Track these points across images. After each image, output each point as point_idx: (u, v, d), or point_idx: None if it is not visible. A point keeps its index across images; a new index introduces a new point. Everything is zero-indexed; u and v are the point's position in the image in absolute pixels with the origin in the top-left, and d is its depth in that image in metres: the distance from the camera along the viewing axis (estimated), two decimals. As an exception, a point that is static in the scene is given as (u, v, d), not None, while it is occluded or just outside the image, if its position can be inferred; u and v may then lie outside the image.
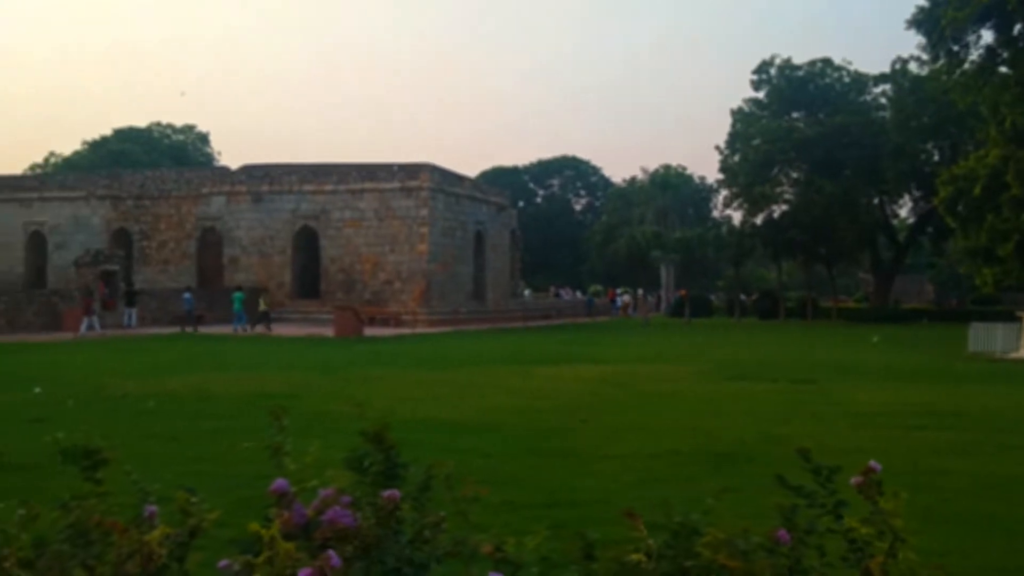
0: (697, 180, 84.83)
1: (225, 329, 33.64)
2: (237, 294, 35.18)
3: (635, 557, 2.46)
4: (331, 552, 2.29)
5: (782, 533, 2.53)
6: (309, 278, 41.64)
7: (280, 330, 33.58)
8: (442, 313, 40.08)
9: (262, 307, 34.22)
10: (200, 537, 3.48)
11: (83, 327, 30.70)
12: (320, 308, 38.93)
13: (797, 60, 54.91)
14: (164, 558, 3.19)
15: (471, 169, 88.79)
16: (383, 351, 24.65)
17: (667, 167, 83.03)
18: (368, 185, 40.62)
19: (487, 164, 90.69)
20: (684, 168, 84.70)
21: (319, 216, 41.22)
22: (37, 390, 14.16)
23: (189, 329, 33.13)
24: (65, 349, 24.21)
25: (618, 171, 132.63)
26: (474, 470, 6.42)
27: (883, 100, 53.74)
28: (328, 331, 32.28)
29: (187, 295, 35.18)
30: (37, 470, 6.50)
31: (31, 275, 44.85)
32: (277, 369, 18.81)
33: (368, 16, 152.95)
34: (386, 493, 2.56)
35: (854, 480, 2.48)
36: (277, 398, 13.40)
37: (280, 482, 3.26)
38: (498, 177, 79.54)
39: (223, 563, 3.36)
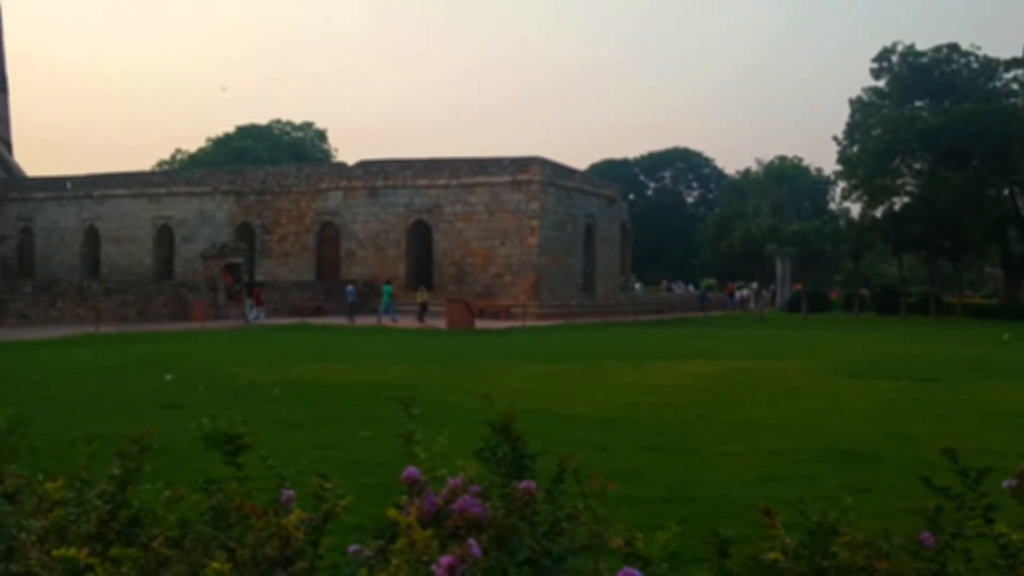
0: (813, 172, 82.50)
1: (342, 320, 34.43)
2: (386, 287, 36.36)
3: (772, 555, 2.41)
4: (472, 541, 2.31)
5: (926, 535, 2.44)
6: (422, 271, 42.27)
7: (391, 322, 34.22)
8: (552, 306, 40.12)
9: (420, 299, 34.98)
10: (331, 522, 3.58)
11: (251, 316, 32.46)
12: (432, 301, 39.52)
13: (921, 46, 52.82)
14: (301, 542, 3.30)
15: (581, 162, 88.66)
16: (494, 344, 24.83)
17: (782, 158, 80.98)
18: (479, 179, 40.96)
19: (597, 157, 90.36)
20: (800, 159, 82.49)
21: (432, 210, 41.79)
22: (168, 377, 14.81)
23: (351, 320, 34.14)
24: (192, 339, 25.21)
25: (731, 163, 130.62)
26: (591, 464, 6.41)
27: (1015, 86, 51.11)
28: (440, 323, 32.72)
29: (350, 288, 36.30)
30: (173, 454, 6.80)
31: (159, 267, 46.87)
32: (392, 360, 19.17)
33: (477, 13, 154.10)
34: (522, 484, 2.58)
35: (1007, 483, 2.37)
36: (393, 388, 13.67)
37: (411, 470, 3.32)
38: (608, 170, 79.07)
39: (353, 548, 3.44)
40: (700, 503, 6.60)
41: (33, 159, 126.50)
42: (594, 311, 43.26)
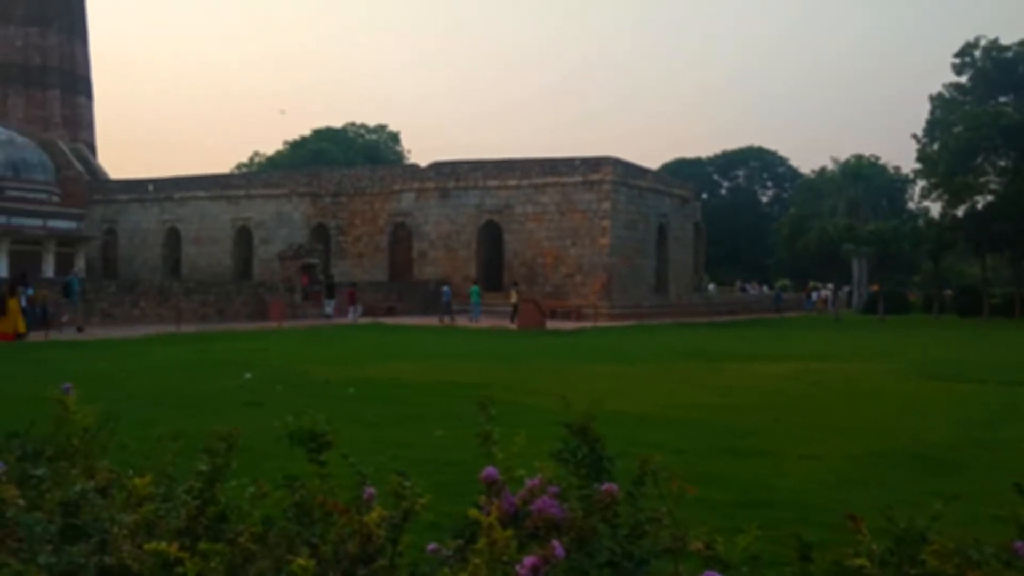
0: (891, 170, 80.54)
1: (414, 320, 34.77)
2: (474, 288, 36.70)
3: (858, 562, 2.37)
4: (555, 542, 2.32)
5: (1019, 544, 2.37)
6: (493, 271, 42.45)
7: (465, 322, 34.44)
8: (624, 307, 39.93)
9: (514, 299, 35.26)
10: (411, 520, 3.63)
11: (350, 315, 33.24)
12: (504, 301, 39.65)
13: (1005, 40, 51.22)
14: (382, 539, 3.35)
15: (654, 162, 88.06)
16: (566, 344, 24.81)
17: (859, 157, 79.21)
18: (550, 179, 40.97)
19: (670, 156, 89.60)
20: (877, 158, 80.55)
21: (503, 210, 41.93)
22: (248, 375, 15.13)
23: (447, 320, 34.52)
24: (270, 337, 25.72)
25: (806, 161, 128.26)
26: (667, 466, 6.37)
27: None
28: (511, 323, 32.83)
29: (446, 288, 36.74)
30: (255, 451, 6.94)
31: (238, 267, 47.93)
32: (463, 359, 19.30)
33: (549, 15, 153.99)
34: (604, 486, 2.58)
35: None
36: (466, 387, 13.75)
37: (490, 470, 3.34)
38: (681, 169, 78.32)
39: (432, 546, 3.48)
40: (779, 507, 6.51)
41: (116, 162, 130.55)
42: (667, 311, 42.93)
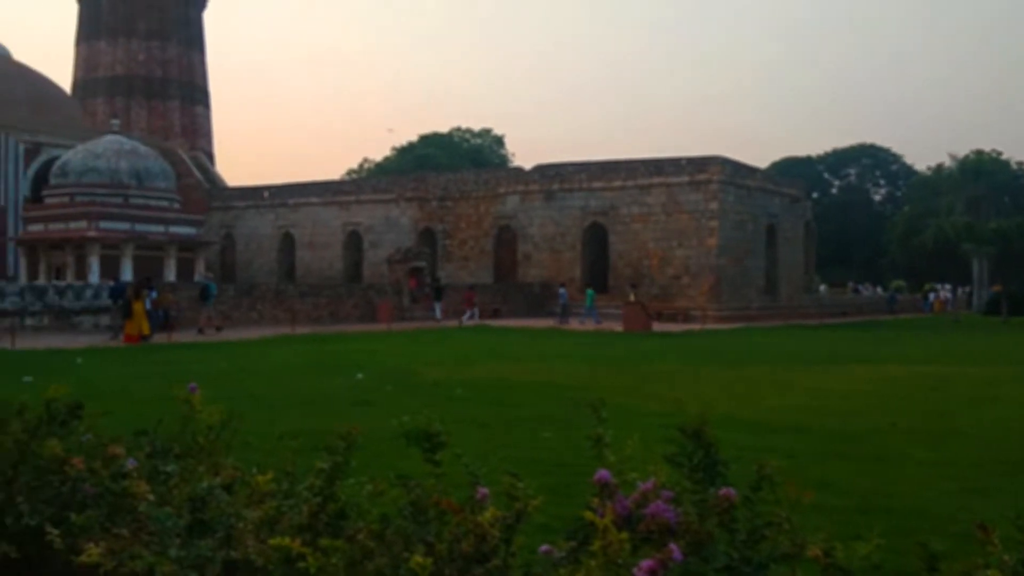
0: (1015, 166, 77.10)
1: (520, 322, 34.94)
2: (589, 291, 36.79)
3: (989, 573, 2.29)
4: (673, 546, 2.31)
5: None
6: (598, 273, 42.32)
7: (570, 324, 34.41)
8: (732, 308, 39.28)
9: (631, 299, 35.29)
10: (523, 521, 3.66)
11: (465, 317, 33.86)
12: (609, 303, 39.49)
13: None
14: (496, 539, 3.39)
15: (762, 161, 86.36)
16: (673, 346, 24.56)
17: (979, 152, 76.10)
18: (656, 180, 40.62)
19: (779, 155, 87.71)
20: (999, 153, 77.20)
21: (607, 212, 41.77)
22: (359, 376, 15.48)
23: (564, 323, 34.71)
24: (380, 339, 26.24)
25: (921, 158, 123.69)
26: (779, 471, 6.24)
27: None
28: (616, 325, 32.65)
29: (562, 290, 36.97)
30: (367, 449, 7.08)
31: (349, 271, 49.05)
32: (571, 361, 19.30)
33: (650, 15, 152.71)
34: (722, 491, 2.55)
35: None
36: (573, 390, 13.75)
37: (602, 472, 3.35)
38: (791, 168, 76.55)
39: (544, 548, 3.50)
40: (899, 514, 6.30)
41: (232, 170, 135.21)
42: (776, 313, 42.04)
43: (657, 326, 32.76)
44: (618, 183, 41.56)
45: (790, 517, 2.62)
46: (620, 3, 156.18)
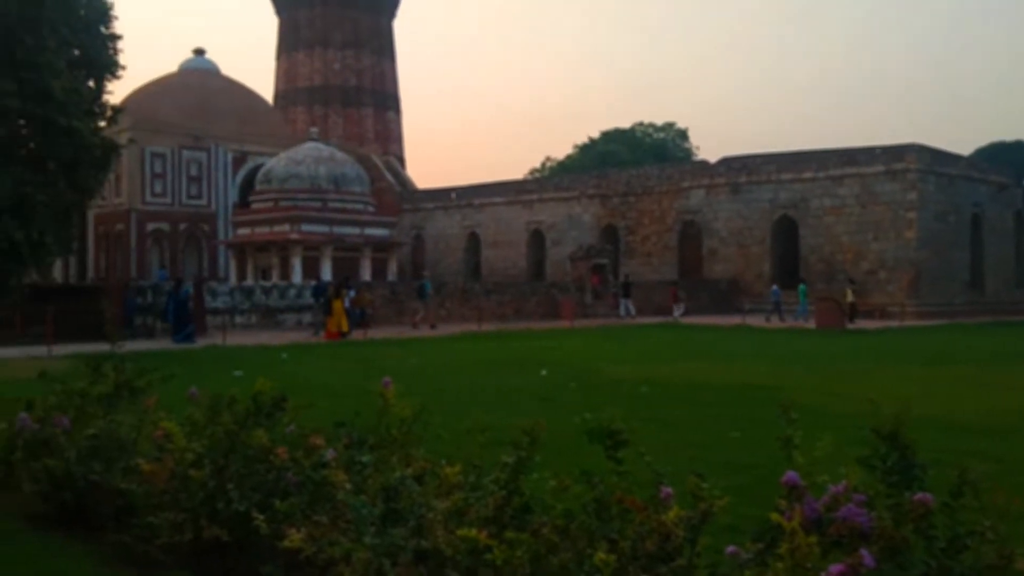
0: None
1: (706, 319, 34.35)
2: (801, 286, 35.76)
3: None
4: (864, 552, 2.23)
5: None
6: (787, 268, 41.01)
7: (757, 321, 33.51)
8: (933, 304, 37.11)
9: (849, 298, 34.33)
10: (708, 522, 3.61)
11: (677, 312, 33.68)
12: (799, 299, 38.25)
13: None
14: (680, 539, 3.37)
15: (964, 147, 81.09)
16: (869, 344, 23.48)
17: None
18: (849, 170, 38.91)
19: (983, 140, 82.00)
20: None
21: (797, 205, 40.39)
22: (543, 372, 15.69)
23: (775, 319, 34.20)
24: (563, 336, 26.47)
25: None
26: (984, 476, 5.84)
27: None
28: (809, 323, 31.57)
29: (775, 288, 36.25)
30: (550, 445, 7.15)
31: (532, 269, 49.72)
32: (760, 359, 18.80)
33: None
34: (917, 496, 2.44)
35: None
36: (762, 389, 13.41)
37: (791, 475, 3.27)
38: (998, 153, 71.19)
39: (731, 549, 3.44)
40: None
41: (422, 172, 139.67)
42: (982, 310, 39.38)
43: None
44: (808, 174, 40.09)
45: (996, 526, 2.46)
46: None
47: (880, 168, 37.91)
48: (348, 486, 4.39)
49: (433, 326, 30.38)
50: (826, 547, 2.75)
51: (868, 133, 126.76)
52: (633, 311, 35.98)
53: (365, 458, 4.75)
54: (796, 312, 34.71)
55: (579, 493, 4.07)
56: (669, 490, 3.58)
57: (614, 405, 11.00)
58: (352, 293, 28.81)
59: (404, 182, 59.68)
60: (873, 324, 32.49)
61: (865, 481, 3.42)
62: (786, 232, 41.17)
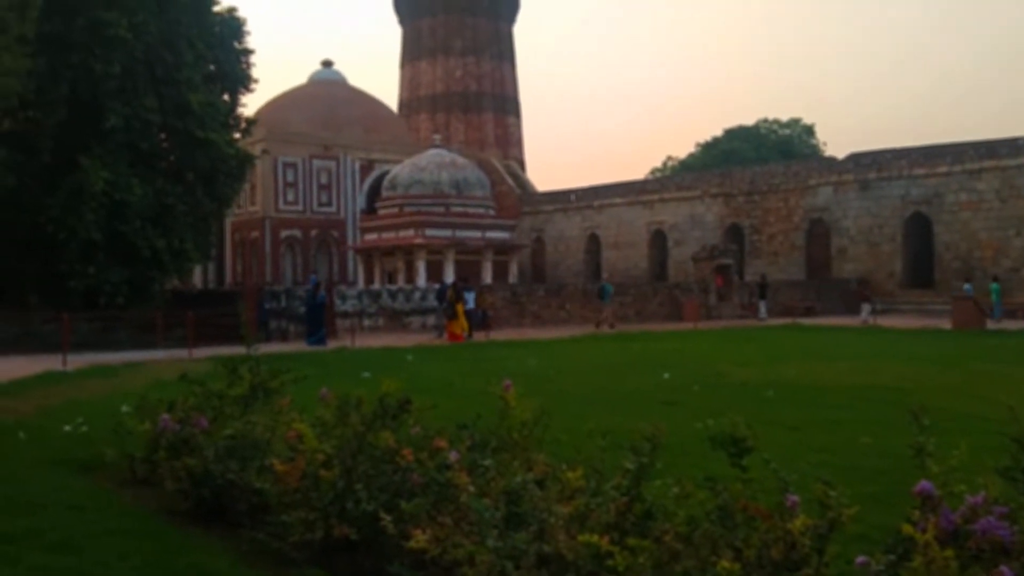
0: None
1: (835, 320, 33.32)
2: (994, 285, 33.80)
3: None
4: (1005, 568, 2.14)
5: None
6: (921, 267, 39.39)
7: (889, 321, 32.29)
8: (1084, 302, 35.01)
9: (993, 297, 32.88)
10: (836, 531, 3.51)
11: (864, 314, 32.71)
12: (935, 298, 36.61)
13: None
14: (807, 548, 3.30)
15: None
16: (1009, 346, 22.33)
17: None
18: (987, 163, 37.07)
19: None
20: None
21: (931, 200, 38.74)
22: (666, 375, 15.52)
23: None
24: (685, 337, 26.13)
25: None
26: None
27: None
28: (944, 322, 30.22)
29: (967, 286, 33.94)
30: (673, 449, 7.09)
31: (653, 270, 49.25)
32: (891, 360, 18.14)
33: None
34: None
35: None
36: (894, 391, 12.96)
37: (924, 484, 3.15)
38: None
39: (861, 559, 3.34)
40: None
41: (542, 175, 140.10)
42: None
43: (991, 323, 29.93)
44: (943, 169, 38.40)
45: None
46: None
47: (1023, 160, 36.02)
48: (471, 488, 4.46)
49: (612, 326, 30.75)
50: (964, 561, 2.65)
51: (1008, 123, 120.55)
52: (766, 313, 35.12)
53: (487, 461, 4.81)
54: (991, 312, 32.58)
55: (703, 500, 4.02)
56: (795, 498, 3.50)
57: (738, 409, 10.80)
58: (472, 295, 29.18)
59: (524, 185, 60.04)
60: (1015, 324, 30.87)
61: (1005, 492, 3.28)
62: (919, 229, 39.55)
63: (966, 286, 34.19)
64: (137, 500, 6.82)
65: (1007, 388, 13.41)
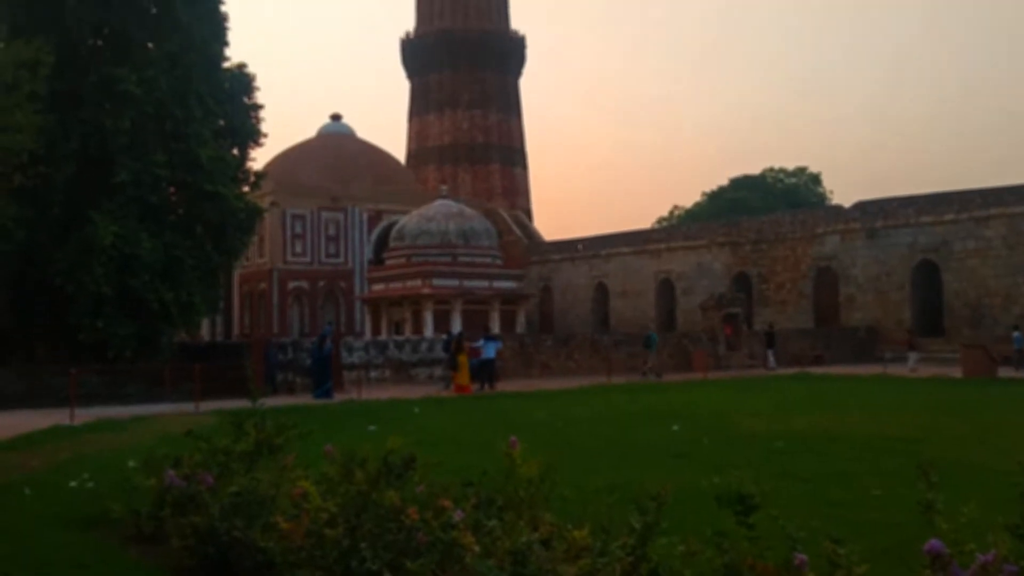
0: None
1: (844, 369, 33.14)
2: (1016, 334, 33.08)
3: None
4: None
5: None
6: (929, 314, 39.26)
7: (899, 370, 32.07)
8: (1096, 350, 34.74)
9: (1017, 346, 32.50)
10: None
11: (912, 363, 32.38)
12: (944, 347, 36.41)
13: None
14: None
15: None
16: (1019, 394, 22.16)
17: None
18: (994, 211, 37.11)
19: None
20: None
21: (939, 248, 38.74)
22: (675, 427, 15.42)
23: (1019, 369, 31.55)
24: (695, 388, 25.99)
25: None
26: None
27: None
28: (954, 371, 30.02)
29: (1017, 335, 33.36)
30: (682, 505, 7.02)
31: (661, 319, 49.15)
32: (900, 411, 18.00)
33: (978, 35, 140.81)
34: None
35: None
36: (904, 442, 12.86)
37: (934, 543, 3.11)
38: None
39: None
40: None
41: (548, 225, 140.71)
42: None
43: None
44: (950, 216, 38.46)
45: None
46: (947, 20, 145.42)
47: (1029, 207, 36.06)
48: (476, 548, 4.42)
49: (659, 375, 31.01)
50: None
51: (1013, 171, 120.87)
52: (774, 363, 34.93)
53: (492, 522, 4.77)
54: (1018, 362, 31.97)
55: (709, 557, 3.98)
56: (803, 557, 3.46)
57: (747, 461, 10.72)
58: (498, 345, 28.94)
59: (531, 235, 60.29)
60: (1027, 373, 30.64)
61: (1015, 549, 3.24)
62: (927, 277, 39.51)
63: (1016, 334, 33.35)
64: (143, 557, 6.77)
65: (1018, 439, 13.30)
